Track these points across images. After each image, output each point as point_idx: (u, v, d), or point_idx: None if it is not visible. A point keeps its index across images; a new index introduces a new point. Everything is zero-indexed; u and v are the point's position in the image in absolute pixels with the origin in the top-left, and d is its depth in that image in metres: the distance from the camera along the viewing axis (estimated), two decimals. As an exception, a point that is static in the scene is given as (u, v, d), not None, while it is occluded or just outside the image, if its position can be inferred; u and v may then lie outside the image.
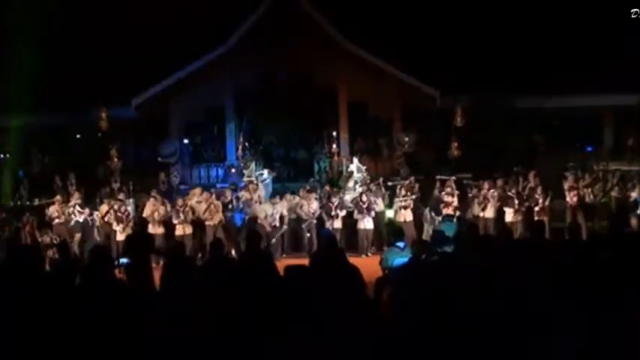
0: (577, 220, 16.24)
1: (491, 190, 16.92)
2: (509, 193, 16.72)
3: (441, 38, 21.86)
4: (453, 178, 17.52)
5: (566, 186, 17.01)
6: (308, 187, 17.88)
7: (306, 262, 6.84)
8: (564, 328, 4.95)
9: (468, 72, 20.63)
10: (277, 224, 16.55)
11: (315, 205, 16.94)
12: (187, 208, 16.23)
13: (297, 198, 17.42)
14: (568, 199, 16.91)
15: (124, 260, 7.50)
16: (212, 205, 16.39)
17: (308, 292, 5.34)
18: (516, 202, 16.53)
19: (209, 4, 21.66)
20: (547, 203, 16.59)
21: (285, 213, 16.83)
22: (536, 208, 16.55)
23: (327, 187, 18.05)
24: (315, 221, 16.77)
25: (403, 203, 16.89)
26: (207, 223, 16.28)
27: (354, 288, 6.09)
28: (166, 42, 21.98)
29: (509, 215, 16.54)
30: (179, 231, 16.13)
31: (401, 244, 9.20)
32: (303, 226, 16.79)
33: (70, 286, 6.07)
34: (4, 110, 20.95)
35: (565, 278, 5.71)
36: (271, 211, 16.54)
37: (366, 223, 16.75)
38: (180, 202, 16.42)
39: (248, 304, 5.38)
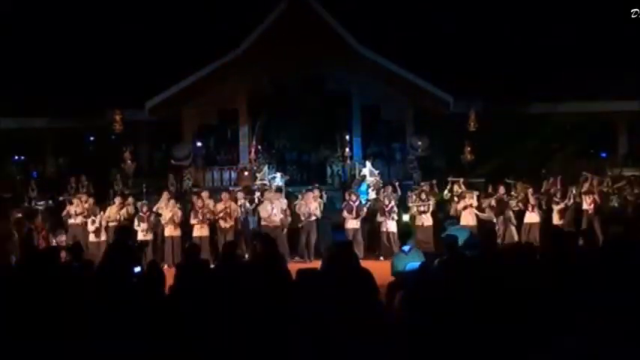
0: (594, 225, 16.25)
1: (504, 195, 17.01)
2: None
3: (455, 43, 21.85)
4: (462, 179, 17.56)
5: (583, 189, 16.98)
6: (310, 188, 17.80)
7: (314, 265, 6.86)
8: (575, 334, 4.93)
9: (481, 77, 20.63)
10: (277, 220, 16.38)
11: (313, 206, 16.91)
12: (207, 210, 16.32)
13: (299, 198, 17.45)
14: (585, 205, 16.86)
15: (137, 269, 7.50)
16: (229, 207, 16.45)
17: (320, 296, 5.35)
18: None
19: (223, 7, 21.79)
20: (569, 204, 16.63)
21: (285, 208, 16.74)
22: (556, 209, 16.58)
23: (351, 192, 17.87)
24: (314, 221, 16.76)
25: (422, 207, 16.85)
26: (221, 225, 16.31)
27: (366, 292, 6.09)
28: (180, 45, 22.11)
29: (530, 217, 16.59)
30: (196, 232, 16.23)
31: (406, 248, 9.17)
32: (300, 225, 16.77)
33: (82, 287, 6.11)
34: (19, 112, 21.12)
35: (579, 283, 5.69)
36: (270, 208, 16.43)
37: (389, 226, 16.70)
38: (200, 203, 16.48)
39: (260, 307, 5.40)
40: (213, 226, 16.62)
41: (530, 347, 4.87)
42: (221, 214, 16.36)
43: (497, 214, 16.81)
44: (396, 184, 17.93)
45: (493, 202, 16.94)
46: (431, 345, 4.93)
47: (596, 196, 16.83)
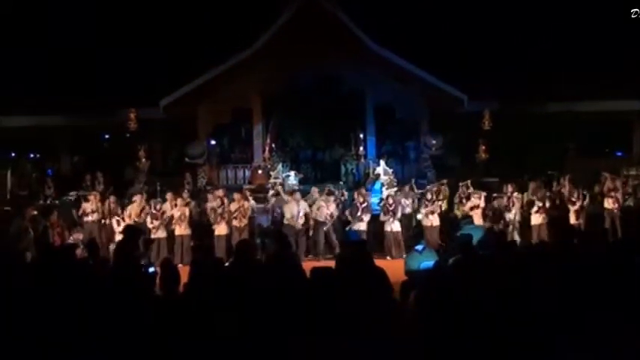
0: (615, 224, 16.21)
1: (515, 194, 16.95)
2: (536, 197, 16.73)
3: (469, 41, 21.80)
4: (469, 181, 17.57)
5: (603, 189, 16.92)
6: (328, 190, 17.79)
7: (331, 264, 6.87)
8: (590, 334, 4.91)
9: (496, 75, 20.57)
10: (301, 222, 16.49)
11: (332, 208, 16.92)
12: (226, 209, 16.38)
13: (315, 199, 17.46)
14: (606, 204, 16.79)
15: (151, 269, 7.54)
16: (242, 207, 16.49)
17: (334, 294, 5.36)
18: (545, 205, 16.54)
19: (237, 6, 21.83)
20: (584, 205, 16.57)
21: (308, 210, 16.76)
22: (573, 208, 16.52)
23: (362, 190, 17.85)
24: (331, 224, 16.79)
25: (430, 208, 16.84)
26: (234, 224, 16.38)
27: (381, 290, 6.09)
28: (195, 44, 22.16)
29: (537, 218, 16.50)
30: (216, 231, 16.34)
31: (419, 247, 9.19)
32: (325, 228, 16.79)
33: (99, 285, 6.14)
34: (34, 110, 21.25)
35: (595, 283, 5.67)
36: (296, 210, 16.54)
37: (393, 226, 16.73)
38: (218, 202, 16.54)
39: (274, 305, 5.41)
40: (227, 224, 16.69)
41: (543, 349, 4.85)
42: (235, 214, 16.40)
43: (495, 222, 16.72)
44: (413, 182, 18.02)
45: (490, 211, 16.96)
46: (445, 345, 4.92)
47: (619, 196, 16.77)
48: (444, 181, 18.01)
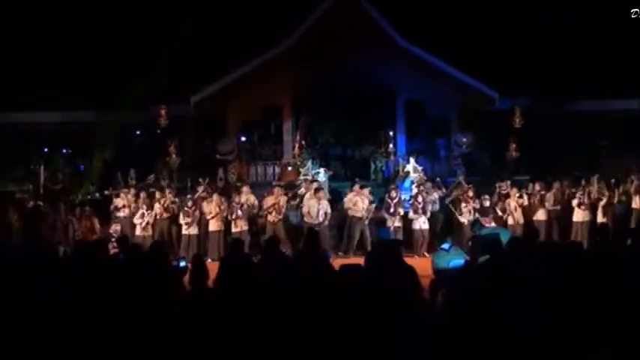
0: None
1: (543, 192, 16.94)
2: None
3: (501, 38, 21.63)
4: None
5: (632, 189, 16.73)
6: (360, 185, 17.77)
7: (360, 261, 6.87)
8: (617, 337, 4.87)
9: (527, 73, 20.41)
10: (321, 220, 16.42)
11: (367, 202, 16.89)
12: (246, 206, 16.45)
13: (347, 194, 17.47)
14: (634, 203, 16.60)
15: (182, 263, 7.59)
16: (278, 203, 16.55)
17: (363, 291, 5.36)
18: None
19: (268, 3, 21.86)
20: (613, 201, 16.44)
21: (328, 210, 16.73)
22: (601, 204, 16.39)
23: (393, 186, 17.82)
24: (367, 220, 16.76)
25: (467, 207, 16.78)
26: (269, 219, 16.41)
27: (410, 288, 6.08)
28: (226, 41, 22.22)
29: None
30: (236, 227, 16.35)
31: (446, 246, 9.16)
32: (366, 222, 16.73)
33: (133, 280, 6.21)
34: (66, 106, 21.48)
35: (626, 285, 5.61)
36: (316, 208, 16.49)
37: (422, 224, 16.69)
38: (237, 199, 16.63)
39: (303, 301, 5.43)
40: (252, 221, 16.74)
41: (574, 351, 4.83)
42: (270, 209, 16.46)
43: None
44: (439, 181, 17.99)
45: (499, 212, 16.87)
46: (474, 342, 4.91)
47: None
48: (470, 185, 17.80)
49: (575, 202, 16.61)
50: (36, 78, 20.72)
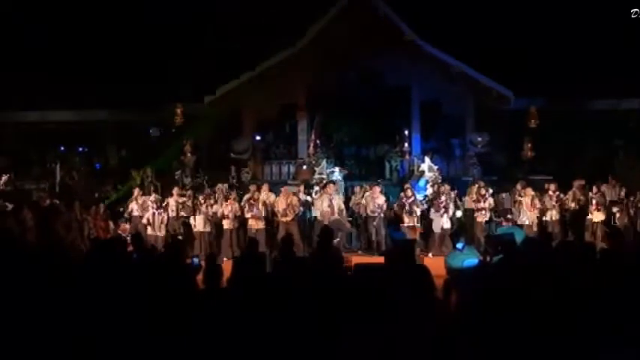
0: None
1: (557, 193, 16.86)
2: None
3: (516, 38, 21.56)
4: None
5: None
6: (372, 183, 17.74)
7: (374, 260, 6.89)
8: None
9: (542, 73, 20.34)
10: (337, 217, 16.30)
11: (381, 199, 16.89)
12: (261, 204, 16.44)
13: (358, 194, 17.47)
14: None
15: (195, 260, 7.64)
16: (291, 202, 16.54)
17: (377, 291, 5.37)
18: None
19: (282, 2, 21.88)
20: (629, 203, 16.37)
21: (342, 206, 16.68)
22: (615, 209, 16.32)
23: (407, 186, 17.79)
24: (382, 217, 16.75)
25: (482, 204, 16.73)
26: (282, 219, 16.40)
27: (423, 288, 6.08)
28: (241, 40, 22.28)
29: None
30: (253, 225, 16.36)
31: (459, 245, 9.13)
32: (375, 223, 16.75)
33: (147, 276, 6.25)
34: (83, 104, 21.62)
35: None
36: (327, 205, 16.41)
37: (444, 223, 16.65)
38: (256, 195, 16.62)
39: (316, 300, 5.44)
40: (268, 219, 16.76)
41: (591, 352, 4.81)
42: (285, 211, 16.44)
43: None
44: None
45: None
46: (488, 342, 4.91)
47: None
48: (482, 183, 17.72)
49: (593, 202, 16.51)
50: (53, 77, 20.85)
